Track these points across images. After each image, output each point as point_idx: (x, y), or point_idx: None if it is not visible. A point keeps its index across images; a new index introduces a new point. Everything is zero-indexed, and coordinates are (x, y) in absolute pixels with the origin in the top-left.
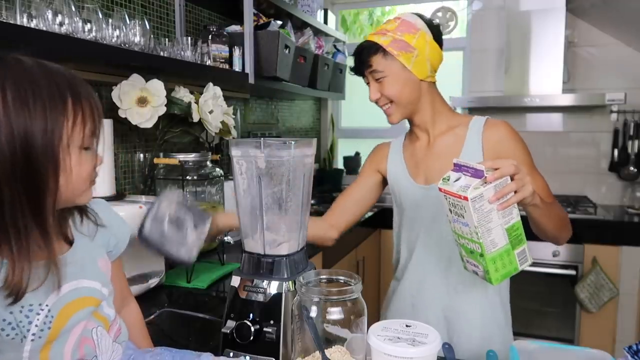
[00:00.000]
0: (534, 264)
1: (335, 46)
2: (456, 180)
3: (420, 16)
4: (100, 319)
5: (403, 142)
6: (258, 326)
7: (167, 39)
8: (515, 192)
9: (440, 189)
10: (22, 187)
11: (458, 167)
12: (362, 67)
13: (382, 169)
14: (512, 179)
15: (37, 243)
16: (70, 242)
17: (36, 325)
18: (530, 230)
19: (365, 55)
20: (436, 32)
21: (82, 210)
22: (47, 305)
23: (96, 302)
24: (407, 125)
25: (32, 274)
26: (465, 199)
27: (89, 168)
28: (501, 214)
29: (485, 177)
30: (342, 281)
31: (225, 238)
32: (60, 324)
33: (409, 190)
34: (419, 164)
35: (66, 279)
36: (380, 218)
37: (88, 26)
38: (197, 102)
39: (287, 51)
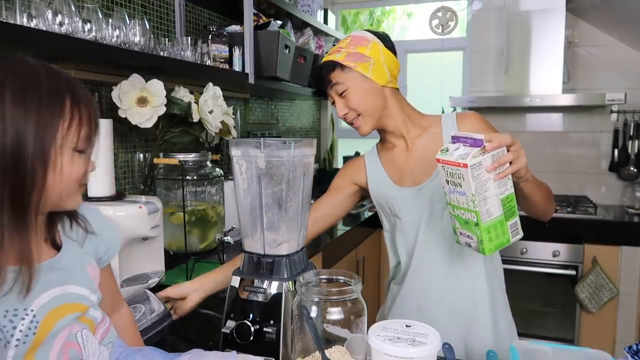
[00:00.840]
0: (534, 264)
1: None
2: (455, 150)
3: (370, 31)
4: (86, 322)
5: (377, 154)
6: (258, 326)
7: (167, 39)
8: (511, 163)
9: (438, 160)
10: (7, 180)
11: (456, 139)
12: (322, 85)
13: (360, 181)
14: (508, 151)
15: (13, 241)
16: (58, 248)
17: (20, 331)
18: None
19: (324, 74)
20: (388, 42)
21: (72, 216)
22: (32, 310)
23: (83, 308)
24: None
25: (3, 275)
26: (465, 166)
27: (81, 171)
28: (497, 185)
29: (484, 146)
30: (342, 281)
31: (225, 238)
32: (46, 330)
33: (398, 196)
34: (402, 170)
35: (52, 285)
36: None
37: (88, 26)
38: (197, 102)
39: (287, 51)
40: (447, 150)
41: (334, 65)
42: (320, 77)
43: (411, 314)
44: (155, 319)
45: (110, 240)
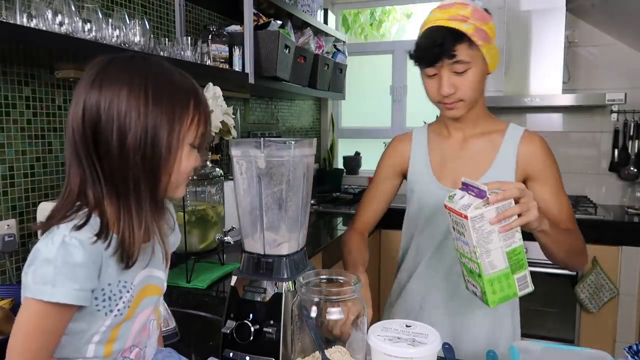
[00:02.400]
0: (534, 264)
1: (335, 46)
2: (461, 199)
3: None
4: (157, 314)
5: (427, 136)
6: (258, 326)
7: (167, 39)
8: (520, 215)
9: (445, 206)
10: (146, 167)
11: (465, 186)
12: (442, 55)
13: (405, 168)
14: (517, 202)
15: (149, 217)
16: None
17: (123, 302)
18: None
19: (450, 43)
20: None
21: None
22: (133, 285)
23: (160, 291)
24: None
25: (141, 249)
26: (466, 217)
27: (193, 164)
28: (502, 237)
29: (488, 197)
30: (342, 281)
31: (226, 238)
32: (135, 306)
33: (433, 191)
34: (447, 164)
35: (146, 265)
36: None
37: (88, 26)
38: None
39: (287, 51)
40: (454, 197)
41: (462, 37)
42: (443, 45)
43: (414, 308)
44: (162, 334)
45: (178, 234)
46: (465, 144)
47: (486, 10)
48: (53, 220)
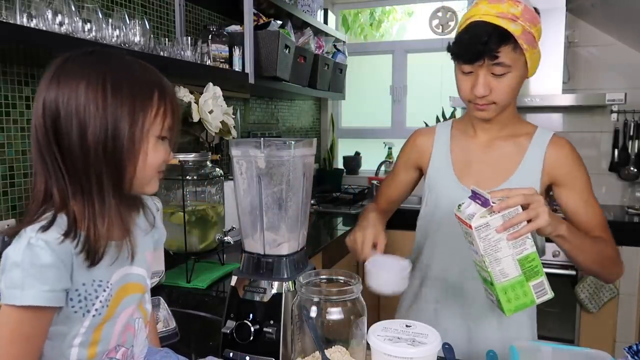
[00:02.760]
0: None
1: (335, 46)
2: (467, 207)
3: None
4: (142, 311)
5: (451, 132)
6: (258, 326)
7: (167, 39)
8: (530, 221)
9: (455, 215)
10: (108, 161)
11: (474, 195)
12: (484, 54)
13: (424, 165)
14: (525, 209)
15: (117, 216)
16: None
17: (100, 301)
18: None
19: (494, 43)
20: None
21: (143, 206)
22: (110, 283)
23: (143, 289)
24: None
25: (108, 246)
26: (470, 227)
27: (161, 158)
28: (512, 245)
29: (492, 206)
30: (342, 281)
31: (226, 238)
32: (115, 304)
33: (452, 191)
34: (470, 165)
35: (123, 263)
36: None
37: (88, 26)
38: (197, 102)
39: (287, 51)
40: (462, 205)
41: (509, 39)
42: (487, 43)
43: (429, 313)
44: (162, 334)
45: (162, 229)
46: (491, 145)
47: (536, 9)
48: (21, 224)
